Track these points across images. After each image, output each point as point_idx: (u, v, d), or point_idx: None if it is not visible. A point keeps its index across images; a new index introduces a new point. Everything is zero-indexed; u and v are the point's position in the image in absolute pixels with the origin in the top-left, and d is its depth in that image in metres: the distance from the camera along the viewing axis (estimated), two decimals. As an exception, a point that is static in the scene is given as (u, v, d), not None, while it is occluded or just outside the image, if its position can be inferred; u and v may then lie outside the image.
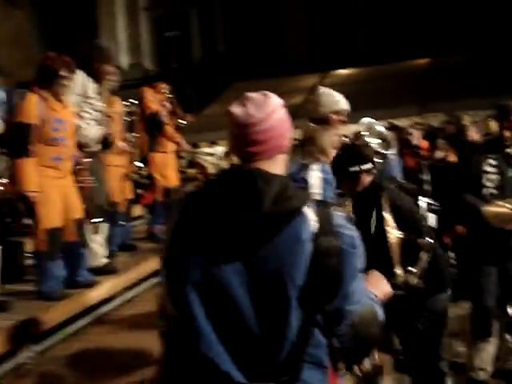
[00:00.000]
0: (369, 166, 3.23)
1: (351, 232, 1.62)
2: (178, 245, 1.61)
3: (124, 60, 21.29)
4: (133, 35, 22.41)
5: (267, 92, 1.68)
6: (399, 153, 6.09)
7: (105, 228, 5.46)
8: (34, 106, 4.37)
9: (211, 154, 9.73)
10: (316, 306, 1.56)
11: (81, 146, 4.91)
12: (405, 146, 6.59)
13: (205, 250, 1.56)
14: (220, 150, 9.85)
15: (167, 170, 6.73)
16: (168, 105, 6.76)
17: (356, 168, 3.19)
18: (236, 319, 1.55)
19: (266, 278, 1.53)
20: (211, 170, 10.16)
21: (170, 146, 6.81)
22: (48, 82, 4.42)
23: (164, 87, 6.68)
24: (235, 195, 1.55)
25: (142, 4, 22.51)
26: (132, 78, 16.15)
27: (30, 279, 5.03)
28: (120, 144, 5.76)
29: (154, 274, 5.81)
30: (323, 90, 3.71)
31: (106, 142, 5.34)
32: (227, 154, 11.77)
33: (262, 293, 1.54)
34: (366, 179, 3.23)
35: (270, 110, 1.63)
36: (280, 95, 1.72)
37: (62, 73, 4.43)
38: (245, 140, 1.62)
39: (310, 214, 1.58)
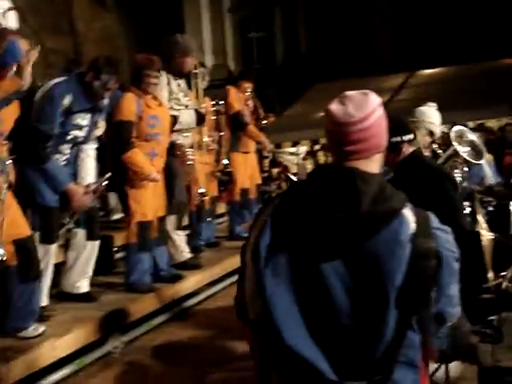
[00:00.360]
0: (410, 136, 3.17)
1: (447, 235, 1.61)
2: (271, 242, 1.61)
3: (208, 61, 21.65)
4: (217, 36, 22.75)
5: (367, 90, 1.67)
6: (497, 152, 5.86)
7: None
8: (131, 104, 4.54)
9: (294, 154, 9.80)
10: (412, 307, 1.55)
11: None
12: (503, 146, 6.34)
13: (301, 247, 1.57)
14: (302, 149, 9.93)
15: (248, 169, 6.77)
16: (251, 104, 6.81)
17: (397, 139, 3.11)
18: (331, 317, 1.55)
19: (364, 278, 1.53)
20: (294, 169, 10.22)
21: (252, 146, 6.85)
22: (140, 80, 4.58)
23: (247, 86, 6.72)
24: (333, 194, 1.56)
25: (226, 5, 22.83)
26: (216, 78, 16.40)
27: (119, 271, 5.22)
28: (207, 141, 5.84)
29: (237, 270, 5.90)
30: None
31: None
32: (309, 154, 11.78)
33: (361, 292, 1.54)
34: (408, 150, 3.16)
35: (369, 109, 1.62)
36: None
37: (151, 72, 4.57)
38: (343, 139, 1.61)
39: (409, 216, 1.56)
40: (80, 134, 4.19)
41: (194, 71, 5.55)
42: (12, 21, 5.03)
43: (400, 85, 16.50)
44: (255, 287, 1.61)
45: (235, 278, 5.73)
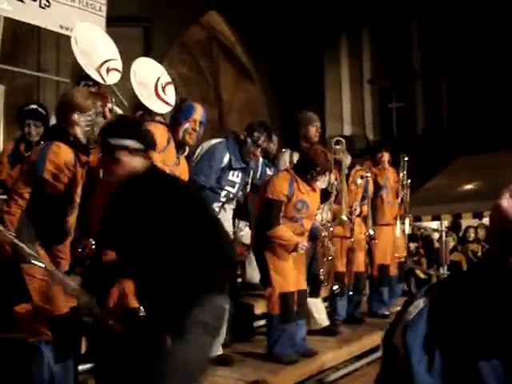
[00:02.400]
0: None
1: None
2: (427, 334, 1.57)
3: (347, 131, 21.88)
4: (356, 106, 23.00)
5: None
6: None
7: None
8: (284, 185, 4.68)
9: (436, 230, 9.54)
10: None
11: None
12: None
13: (458, 342, 1.50)
14: (445, 224, 9.64)
15: (386, 244, 6.66)
16: (388, 175, 6.76)
17: None
18: None
19: None
20: (436, 245, 9.92)
21: (391, 219, 6.75)
22: (305, 170, 4.74)
23: (384, 157, 6.71)
24: (498, 291, 1.48)
25: (366, 76, 23.11)
26: (355, 148, 16.51)
27: (259, 340, 5.29)
28: (348, 215, 5.85)
29: (375, 348, 5.77)
30: None
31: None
32: (451, 229, 11.36)
33: None
34: None
35: None
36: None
37: (320, 168, 4.73)
38: None
39: None
40: (232, 190, 4.52)
41: (336, 146, 5.64)
42: (171, 93, 5.45)
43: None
44: (405, 380, 1.57)
45: (373, 356, 5.62)
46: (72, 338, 3.28)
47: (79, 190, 3.34)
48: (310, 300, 5.33)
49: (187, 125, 3.88)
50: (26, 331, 3.17)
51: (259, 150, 4.68)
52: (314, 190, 4.84)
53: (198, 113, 3.96)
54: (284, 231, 4.67)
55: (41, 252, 3.10)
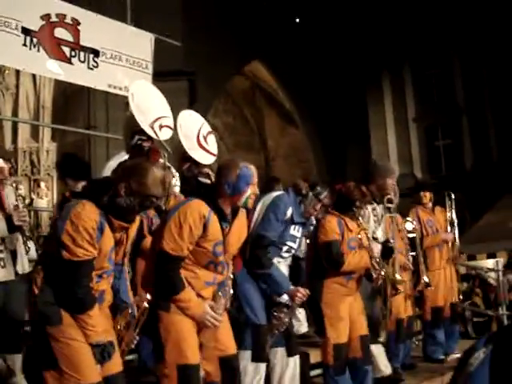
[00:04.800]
0: None
1: None
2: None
3: (395, 170, 21.72)
4: (403, 145, 22.89)
5: None
6: None
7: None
8: (334, 225, 4.70)
9: (492, 269, 9.25)
10: None
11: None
12: None
13: None
14: (501, 263, 9.35)
15: (440, 287, 6.49)
16: (439, 217, 6.63)
17: None
18: None
19: None
20: (493, 284, 9.61)
21: (444, 262, 6.60)
22: (346, 208, 4.76)
23: (427, 197, 6.61)
24: None
25: (411, 115, 23.03)
26: (403, 188, 16.34)
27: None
28: (402, 260, 5.74)
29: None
30: None
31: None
32: (508, 267, 11.04)
33: None
34: None
35: None
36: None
37: (358, 203, 4.76)
38: None
39: None
40: (294, 245, 4.44)
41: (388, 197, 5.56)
42: (213, 143, 5.54)
43: None
44: None
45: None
46: None
47: (112, 255, 3.11)
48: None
49: (249, 191, 3.58)
50: None
51: (320, 205, 4.55)
52: (360, 226, 4.82)
53: (255, 175, 3.67)
54: (352, 263, 4.64)
55: (67, 317, 2.91)
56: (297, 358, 4.47)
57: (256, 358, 4.11)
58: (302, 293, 4.23)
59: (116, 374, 3.08)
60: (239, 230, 3.72)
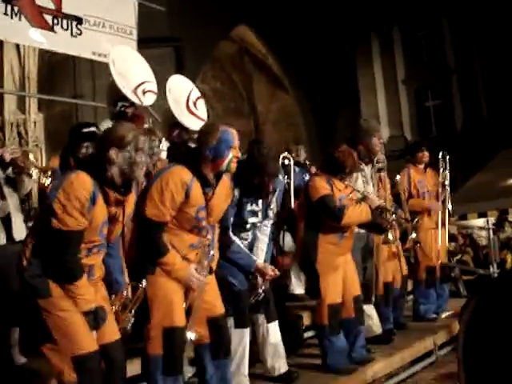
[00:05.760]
0: None
1: None
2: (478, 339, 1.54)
3: (385, 133, 21.68)
4: (392, 107, 22.82)
5: None
6: None
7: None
8: (324, 184, 4.72)
9: (482, 228, 9.34)
10: None
11: None
12: None
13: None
14: (491, 222, 9.43)
15: (432, 246, 6.54)
16: (429, 179, 6.64)
17: None
18: None
19: None
20: (483, 243, 9.71)
21: (433, 223, 6.62)
22: (333, 172, 4.77)
23: (423, 157, 6.61)
24: None
25: (400, 77, 22.91)
26: (393, 149, 16.35)
27: (309, 351, 5.26)
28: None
29: (428, 354, 5.67)
30: None
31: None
32: (497, 225, 11.13)
33: None
34: None
35: None
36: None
37: (348, 169, 4.77)
38: None
39: None
40: (256, 220, 4.36)
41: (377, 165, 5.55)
42: (202, 108, 5.48)
43: None
44: None
45: (426, 362, 5.54)
46: (97, 379, 2.97)
47: (104, 229, 3.05)
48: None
49: (230, 155, 3.55)
50: (54, 373, 2.96)
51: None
52: (347, 187, 4.85)
53: (236, 138, 3.62)
54: (352, 216, 4.65)
55: (56, 288, 2.89)
56: (276, 322, 4.49)
57: (239, 324, 4.14)
58: (271, 274, 4.23)
59: (114, 342, 3.09)
60: (223, 195, 3.71)
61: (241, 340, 4.16)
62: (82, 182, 2.89)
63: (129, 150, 3.00)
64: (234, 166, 3.63)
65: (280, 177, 4.70)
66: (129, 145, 3.00)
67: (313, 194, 4.74)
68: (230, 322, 4.09)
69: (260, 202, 4.34)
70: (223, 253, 4.04)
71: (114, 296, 3.20)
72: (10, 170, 4.35)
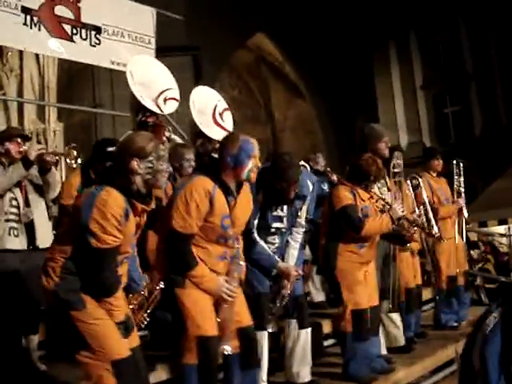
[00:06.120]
0: None
1: None
2: (503, 349, 1.52)
3: (403, 139, 21.58)
4: (411, 114, 22.71)
5: None
6: None
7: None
8: (347, 192, 4.71)
9: (503, 235, 9.19)
10: None
11: None
12: None
13: None
14: (512, 228, 9.29)
15: (452, 256, 6.44)
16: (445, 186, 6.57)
17: None
18: None
19: None
20: (505, 250, 9.57)
21: (453, 230, 6.53)
22: (359, 181, 4.77)
23: (436, 165, 6.52)
24: None
25: (419, 83, 22.80)
26: (412, 156, 16.24)
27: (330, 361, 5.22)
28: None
29: (450, 362, 5.60)
30: None
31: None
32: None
33: None
34: None
35: None
36: None
37: (373, 177, 4.77)
38: None
39: None
40: (281, 225, 4.36)
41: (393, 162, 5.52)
42: (229, 119, 5.49)
43: None
44: None
45: (447, 371, 5.46)
46: (134, 382, 3.04)
47: (133, 240, 3.14)
48: (385, 317, 5.25)
49: (250, 164, 3.57)
50: (92, 379, 2.99)
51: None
52: (372, 197, 4.82)
53: (256, 148, 3.64)
54: (372, 227, 4.64)
55: (90, 300, 2.94)
56: (308, 330, 4.48)
57: (257, 327, 4.04)
58: (294, 274, 4.21)
59: (136, 347, 3.14)
60: (245, 204, 3.71)
61: (258, 344, 4.13)
62: (115, 199, 2.89)
63: (150, 160, 3.01)
64: (253, 175, 3.63)
65: (310, 185, 4.70)
66: (150, 154, 3.01)
67: (335, 203, 4.73)
68: None
69: (285, 208, 4.36)
70: (245, 254, 4.04)
71: (130, 295, 3.25)
72: (34, 170, 4.33)
